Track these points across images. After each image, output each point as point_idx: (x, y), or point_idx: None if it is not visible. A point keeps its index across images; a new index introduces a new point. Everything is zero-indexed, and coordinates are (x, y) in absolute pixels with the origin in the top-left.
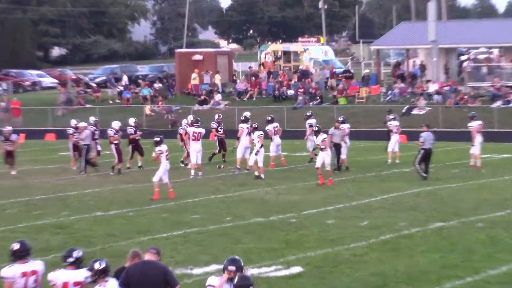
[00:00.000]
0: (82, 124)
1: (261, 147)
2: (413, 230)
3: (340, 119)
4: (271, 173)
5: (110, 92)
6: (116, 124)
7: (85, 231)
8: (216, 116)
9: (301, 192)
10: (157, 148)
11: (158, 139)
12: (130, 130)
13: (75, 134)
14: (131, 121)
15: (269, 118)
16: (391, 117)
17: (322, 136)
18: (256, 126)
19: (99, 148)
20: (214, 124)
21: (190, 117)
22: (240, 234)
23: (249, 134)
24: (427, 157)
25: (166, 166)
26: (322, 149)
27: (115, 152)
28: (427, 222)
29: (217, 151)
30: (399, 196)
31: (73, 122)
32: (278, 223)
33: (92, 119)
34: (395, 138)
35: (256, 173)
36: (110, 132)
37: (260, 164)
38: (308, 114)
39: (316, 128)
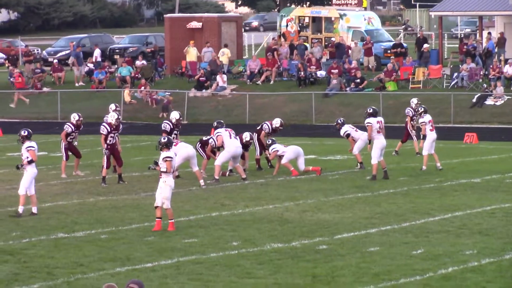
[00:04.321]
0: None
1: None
2: (484, 262)
3: (340, 121)
4: (293, 182)
5: (77, 71)
6: (112, 117)
7: (43, 259)
8: (177, 116)
9: (334, 209)
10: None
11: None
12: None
13: (74, 133)
14: (112, 107)
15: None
16: (421, 110)
17: None
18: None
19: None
20: (166, 126)
21: (176, 115)
22: (251, 265)
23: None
24: None
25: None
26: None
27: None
28: (503, 250)
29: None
30: (466, 216)
31: (75, 117)
32: (302, 251)
33: (113, 112)
34: (432, 137)
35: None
36: (104, 128)
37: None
38: (369, 111)
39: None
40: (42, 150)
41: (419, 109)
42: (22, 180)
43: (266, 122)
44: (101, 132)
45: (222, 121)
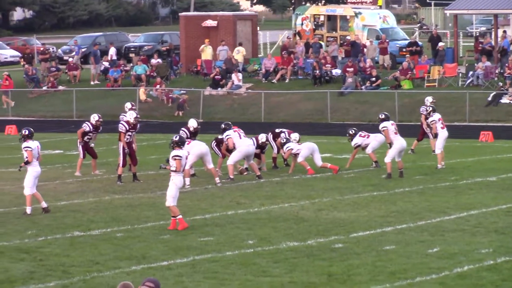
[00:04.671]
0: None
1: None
2: (500, 260)
3: (351, 131)
4: (308, 181)
5: (94, 69)
6: (131, 115)
7: (58, 257)
8: (195, 124)
9: (350, 207)
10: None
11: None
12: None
13: (91, 133)
14: (128, 106)
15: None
16: (429, 109)
17: None
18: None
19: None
20: (183, 134)
21: (194, 123)
22: (267, 263)
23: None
24: None
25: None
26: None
27: (121, 153)
28: None
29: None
30: (481, 214)
31: (95, 117)
32: (318, 249)
33: (131, 111)
34: (443, 135)
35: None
36: (123, 126)
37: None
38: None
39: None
40: (57, 149)
41: (428, 108)
42: (25, 180)
43: (284, 130)
44: (120, 130)
45: (229, 122)
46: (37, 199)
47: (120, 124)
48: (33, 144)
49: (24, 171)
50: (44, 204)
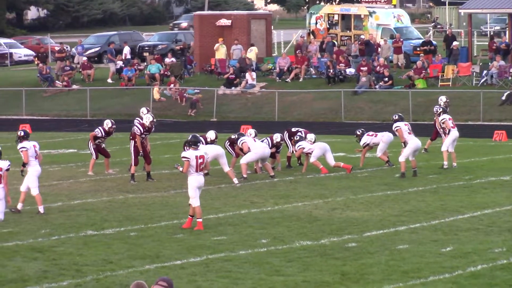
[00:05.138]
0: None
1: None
2: None
3: (359, 132)
4: (322, 180)
5: (112, 68)
6: (147, 119)
7: (72, 256)
8: (213, 136)
9: (363, 207)
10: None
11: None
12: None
13: (103, 138)
14: (144, 111)
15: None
16: (440, 110)
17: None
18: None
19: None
20: (137, 129)
21: (212, 135)
22: (280, 262)
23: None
24: None
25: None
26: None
27: (133, 152)
28: None
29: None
30: (495, 214)
31: (108, 124)
32: (331, 249)
33: (148, 114)
34: (454, 134)
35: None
36: (138, 129)
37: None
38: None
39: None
40: (71, 148)
41: (437, 109)
42: (29, 181)
43: (300, 130)
44: (136, 132)
45: (242, 133)
46: (37, 201)
47: (135, 127)
48: (29, 144)
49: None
50: (41, 209)
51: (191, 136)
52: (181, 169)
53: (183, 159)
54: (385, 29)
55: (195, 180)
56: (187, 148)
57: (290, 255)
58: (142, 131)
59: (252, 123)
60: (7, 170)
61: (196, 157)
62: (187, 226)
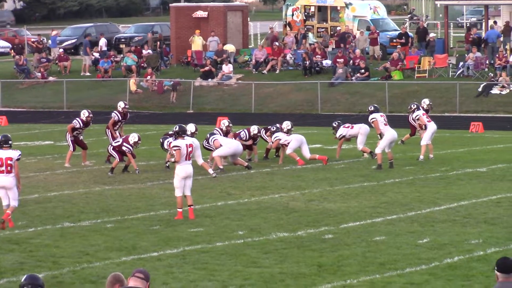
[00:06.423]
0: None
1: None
2: (489, 251)
3: (335, 124)
4: (299, 172)
5: (88, 60)
6: (119, 106)
7: (48, 248)
8: (193, 129)
9: (340, 198)
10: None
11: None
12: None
13: (81, 129)
14: (121, 105)
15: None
16: (414, 106)
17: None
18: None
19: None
20: (115, 115)
21: (192, 128)
22: (257, 254)
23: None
24: None
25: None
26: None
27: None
28: (508, 240)
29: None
30: (471, 205)
31: (85, 113)
32: (308, 240)
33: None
34: (432, 128)
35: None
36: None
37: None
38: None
39: None
40: (47, 139)
41: (412, 106)
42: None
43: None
44: (112, 117)
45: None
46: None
47: (113, 113)
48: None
49: None
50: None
51: (178, 126)
52: (173, 159)
53: (174, 148)
54: (361, 20)
55: (182, 170)
56: (175, 137)
57: (267, 247)
58: (120, 118)
59: (228, 114)
60: (18, 159)
61: (186, 145)
62: (178, 218)
